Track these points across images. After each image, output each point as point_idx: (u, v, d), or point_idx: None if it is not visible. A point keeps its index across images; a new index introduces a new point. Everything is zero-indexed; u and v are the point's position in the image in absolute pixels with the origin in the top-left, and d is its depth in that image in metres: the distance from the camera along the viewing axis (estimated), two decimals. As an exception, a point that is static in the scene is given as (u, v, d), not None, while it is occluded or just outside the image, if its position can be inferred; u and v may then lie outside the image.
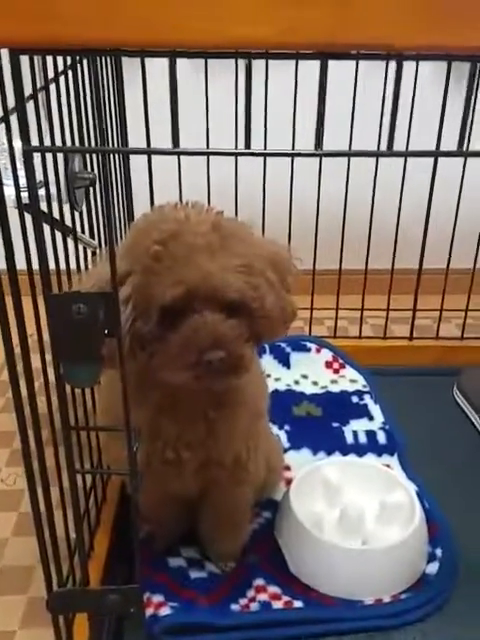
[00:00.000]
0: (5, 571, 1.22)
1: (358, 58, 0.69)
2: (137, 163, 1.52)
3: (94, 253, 1.16)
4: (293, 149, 1.53)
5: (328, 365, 1.66)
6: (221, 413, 0.97)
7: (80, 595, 0.83)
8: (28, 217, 0.70)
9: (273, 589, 1.09)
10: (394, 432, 1.44)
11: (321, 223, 1.65)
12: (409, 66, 1.15)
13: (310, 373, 1.64)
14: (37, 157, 0.80)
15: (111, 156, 1.41)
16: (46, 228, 0.76)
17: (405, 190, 1.63)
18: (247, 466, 1.04)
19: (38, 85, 0.82)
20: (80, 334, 0.65)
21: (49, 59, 0.90)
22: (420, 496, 1.20)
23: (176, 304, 0.82)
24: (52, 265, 0.81)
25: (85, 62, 1.15)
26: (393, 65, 1.43)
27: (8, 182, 0.72)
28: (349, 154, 1.15)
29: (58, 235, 0.94)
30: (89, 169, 1.20)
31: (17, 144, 0.66)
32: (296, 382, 1.61)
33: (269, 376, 1.56)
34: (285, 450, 1.37)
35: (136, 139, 1.46)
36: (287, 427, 1.46)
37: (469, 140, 1.34)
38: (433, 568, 1.14)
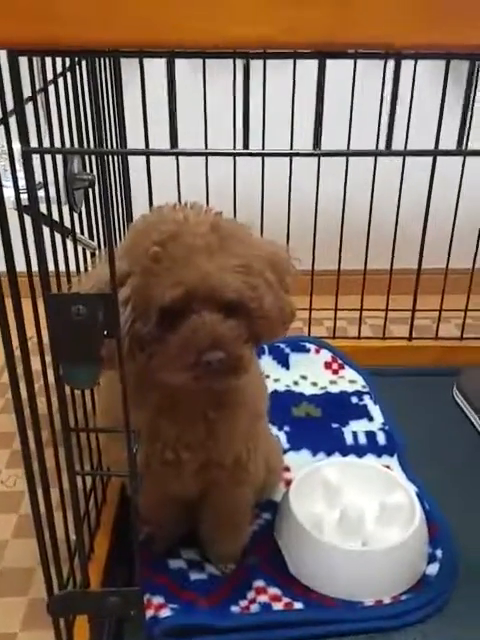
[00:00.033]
0: (5, 573, 1.22)
1: (356, 57, 0.69)
2: (136, 163, 1.52)
3: (93, 254, 1.16)
4: (291, 149, 1.53)
5: (327, 366, 1.66)
6: (221, 414, 0.97)
7: (80, 597, 0.83)
8: (27, 219, 0.70)
9: (273, 591, 1.09)
10: (394, 433, 1.44)
11: (320, 223, 1.64)
12: (407, 65, 1.14)
13: (309, 374, 1.64)
14: (36, 158, 0.80)
15: (110, 157, 1.41)
16: (45, 229, 0.76)
17: (404, 190, 1.63)
18: (247, 467, 1.04)
19: (37, 87, 0.82)
20: (79, 335, 0.65)
21: (48, 61, 0.90)
22: (420, 497, 1.20)
23: (175, 305, 0.82)
24: (51, 267, 0.81)
25: (84, 63, 1.15)
26: (391, 65, 1.42)
27: (7, 184, 0.72)
28: (347, 154, 1.15)
29: (57, 236, 0.94)
30: (88, 170, 1.20)
31: (16, 146, 0.66)
32: (295, 383, 1.61)
33: (268, 377, 1.56)
34: (285, 451, 1.37)
35: (135, 140, 1.45)
36: (286, 428, 1.45)
37: (468, 139, 1.35)
38: (433, 569, 1.14)
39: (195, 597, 1.07)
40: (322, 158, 1.47)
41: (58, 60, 0.98)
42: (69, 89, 1.04)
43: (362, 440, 1.42)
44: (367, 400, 1.55)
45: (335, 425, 1.48)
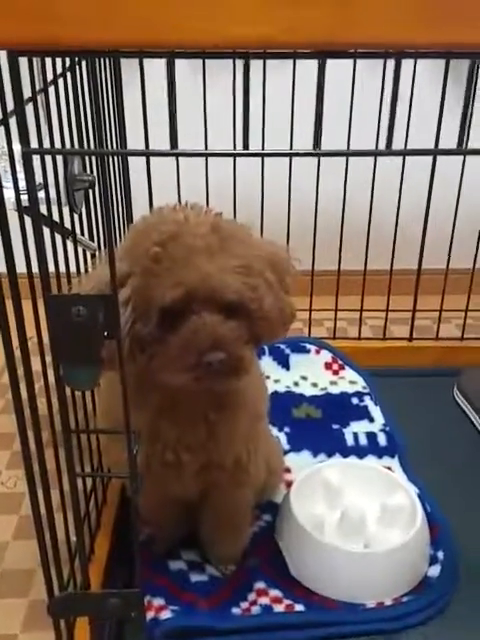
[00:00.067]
0: (6, 574, 1.22)
1: (356, 56, 0.69)
2: (136, 164, 1.52)
3: (93, 255, 1.16)
4: (291, 149, 1.53)
5: (327, 366, 1.65)
6: (221, 415, 0.96)
7: (81, 599, 0.83)
8: (28, 220, 0.70)
9: (274, 592, 1.09)
10: (394, 434, 1.44)
11: (320, 223, 1.64)
12: (407, 65, 1.14)
13: (309, 374, 1.64)
14: (36, 159, 0.80)
15: (110, 158, 1.41)
16: (46, 231, 0.75)
17: (404, 190, 1.63)
18: (247, 468, 1.04)
19: (37, 87, 0.82)
20: (80, 336, 0.65)
21: (48, 62, 0.90)
22: (421, 498, 1.20)
23: (175, 305, 0.82)
24: (52, 268, 0.81)
25: (84, 64, 1.15)
26: (391, 64, 1.42)
27: (8, 185, 0.72)
28: (347, 154, 1.15)
29: (57, 237, 0.94)
30: (88, 171, 1.20)
31: (16, 146, 0.66)
32: (295, 384, 1.61)
33: (268, 378, 1.56)
34: (285, 452, 1.37)
35: (134, 140, 1.45)
36: (287, 429, 1.45)
37: (468, 137, 1.34)
38: (435, 571, 1.14)
39: (195, 599, 1.07)
40: (322, 158, 1.47)
41: (58, 61, 0.98)
42: (69, 90, 1.04)
43: (363, 441, 1.42)
44: (368, 401, 1.55)
45: (336, 426, 1.47)
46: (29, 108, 0.75)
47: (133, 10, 0.55)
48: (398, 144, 0.74)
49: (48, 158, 0.88)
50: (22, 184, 0.67)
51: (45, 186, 0.89)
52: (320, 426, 1.48)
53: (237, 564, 1.15)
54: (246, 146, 0.67)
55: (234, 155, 0.93)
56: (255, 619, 1.05)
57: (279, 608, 1.07)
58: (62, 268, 0.96)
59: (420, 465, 1.37)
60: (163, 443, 0.96)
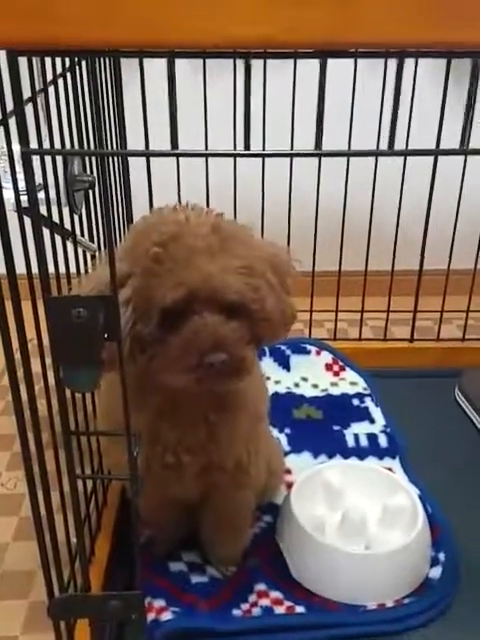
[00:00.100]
0: (6, 576, 1.22)
1: (357, 56, 0.69)
2: (136, 164, 1.52)
3: (93, 256, 1.16)
4: (292, 149, 1.52)
5: (328, 367, 1.65)
6: (222, 417, 0.96)
7: (81, 601, 0.83)
8: (27, 220, 0.70)
9: (275, 594, 1.09)
10: (395, 435, 1.44)
11: (320, 224, 1.64)
12: (408, 65, 1.14)
13: (310, 376, 1.64)
14: (36, 160, 0.79)
15: (110, 158, 1.40)
16: (45, 231, 0.75)
17: (405, 190, 1.63)
18: (248, 470, 1.03)
19: (37, 87, 0.82)
20: (80, 338, 0.64)
21: (47, 61, 0.89)
22: (422, 499, 1.20)
23: (177, 306, 0.81)
24: (51, 269, 0.81)
25: (84, 64, 1.15)
26: (392, 64, 1.42)
27: (7, 185, 0.72)
28: (348, 154, 1.14)
29: (57, 238, 0.94)
30: (88, 172, 1.20)
31: (16, 147, 0.66)
32: (296, 385, 1.61)
33: (269, 379, 1.56)
34: (286, 453, 1.37)
35: (134, 140, 1.45)
36: (287, 430, 1.45)
37: (469, 137, 1.34)
38: (436, 572, 1.13)
39: (196, 600, 1.07)
40: (322, 159, 1.47)
41: (58, 61, 0.98)
42: (69, 90, 1.04)
43: (363, 442, 1.42)
44: (368, 402, 1.55)
45: (336, 427, 1.47)
46: (29, 108, 0.75)
47: (133, 10, 0.54)
48: (399, 144, 0.73)
49: (48, 159, 0.88)
50: (22, 185, 0.67)
51: (45, 187, 0.89)
52: (321, 427, 1.48)
53: (238, 565, 1.15)
54: (247, 146, 0.66)
55: (235, 156, 0.93)
56: (256, 621, 1.05)
57: (280, 610, 1.07)
58: (62, 269, 0.96)
59: (421, 466, 1.37)
60: (163, 445, 0.96)
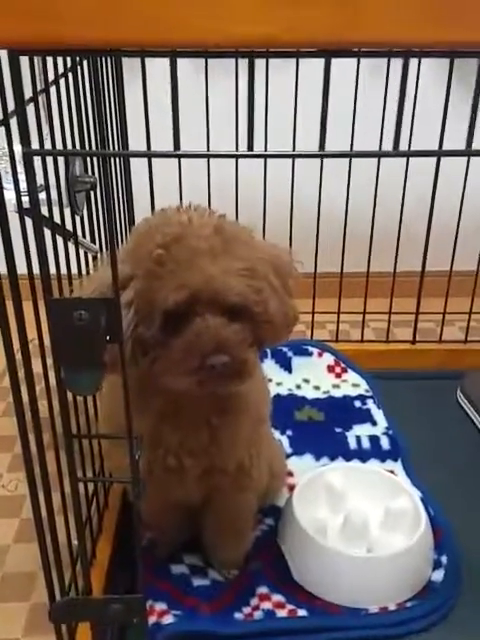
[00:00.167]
0: (7, 578, 1.21)
1: (359, 56, 0.69)
2: (137, 164, 1.52)
3: (95, 257, 1.16)
4: (294, 150, 1.52)
5: (330, 369, 1.65)
6: (224, 419, 0.96)
7: (83, 604, 0.82)
8: (29, 221, 0.70)
9: (277, 597, 1.08)
10: (397, 437, 1.44)
11: (322, 225, 1.64)
12: (411, 65, 1.14)
13: (312, 377, 1.63)
14: (37, 161, 0.79)
15: (112, 159, 1.40)
16: (47, 232, 0.75)
17: (407, 191, 1.62)
18: (250, 473, 1.03)
19: (38, 87, 0.81)
20: (81, 340, 0.64)
21: (49, 61, 0.89)
22: (425, 502, 1.19)
23: (179, 308, 0.81)
24: (53, 270, 0.81)
25: (85, 64, 1.14)
26: (394, 64, 1.42)
27: (8, 186, 0.71)
28: (351, 155, 1.14)
29: (59, 239, 0.94)
30: (90, 173, 1.20)
31: (17, 147, 0.65)
32: (298, 386, 1.61)
33: (271, 380, 1.55)
34: (287, 456, 1.36)
35: (135, 140, 1.45)
36: (289, 432, 1.45)
37: (471, 138, 1.33)
38: (438, 575, 1.13)
39: (198, 603, 1.07)
40: (325, 159, 1.46)
41: (59, 60, 0.97)
42: (71, 90, 1.03)
43: (366, 445, 1.41)
44: (370, 404, 1.55)
45: (338, 429, 1.47)
46: (30, 108, 0.75)
47: (134, 9, 0.54)
48: (402, 144, 0.73)
49: (49, 159, 0.88)
50: (23, 185, 0.67)
51: (46, 187, 0.88)
52: (322, 429, 1.47)
53: (240, 568, 1.14)
54: (251, 147, 0.66)
55: (237, 156, 0.92)
56: (258, 624, 1.05)
57: (282, 613, 1.06)
58: (63, 270, 0.96)
59: (423, 468, 1.37)
60: (165, 448, 0.95)
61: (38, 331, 0.79)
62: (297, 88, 1.49)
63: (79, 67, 1.07)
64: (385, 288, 1.69)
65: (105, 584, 1.08)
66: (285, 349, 1.65)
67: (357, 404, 1.55)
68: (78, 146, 1.09)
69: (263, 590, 1.10)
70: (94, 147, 1.18)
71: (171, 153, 0.65)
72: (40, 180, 0.79)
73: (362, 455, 1.39)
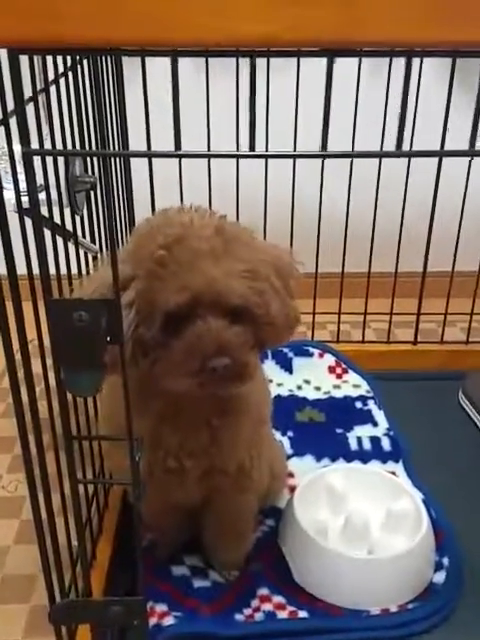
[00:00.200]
0: (7, 580, 1.21)
1: (361, 55, 0.68)
2: (137, 164, 1.51)
3: (95, 258, 1.15)
4: (295, 150, 1.51)
5: (331, 370, 1.65)
6: (224, 421, 0.95)
7: (83, 606, 0.82)
8: (28, 221, 0.69)
9: (278, 599, 1.08)
10: (399, 439, 1.43)
11: (323, 225, 1.63)
12: (413, 64, 1.14)
13: (313, 378, 1.63)
14: (37, 160, 0.79)
15: (112, 159, 1.40)
16: (47, 232, 0.74)
17: (409, 191, 1.62)
18: (251, 474, 1.03)
19: (38, 87, 0.81)
20: (81, 341, 0.64)
21: (49, 61, 0.89)
22: (426, 504, 1.19)
23: (180, 310, 0.81)
24: (53, 270, 0.80)
25: (85, 63, 1.14)
26: (396, 64, 1.41)
27: (8, 186, 0.71)
28: (353, 155, 1.13)
29: (59, 239, 0.93)
30: (90, 172, 1.19)
31: (17, 147, 0.65)
32: (299, 387, 1.60)
33: (271, 381, 1.55)
34: (288, 457, 1.36)
35: (135, 139, 1.44)
36: (290, 433, 1.44)
37: (474, 138, 1.32)
38: (440, 577, 1.12)
39: (198, 604, 1.06)
40: (326, 159, 1.46)
41: (59, 59, 0.97)
42: (71, 89, 1.03)
43: (367, 446, 1.41)
44: (371, 405, 1.54)
45: (339, 430, 1.46)
46: (30, 108, 0.74)
47: (135, 7, 0.54)
48: (403, 145, 0.73)
49: (49, 159, 0.87)
50: (23, 185, 0.66)
51: (46, 187, 0.88)
52: (323, 430, 1.47)
53: (240, 570, 1.14)
54: (252, 147, 0.66)
55: (239, 156, 0.92)
56: (258, 626, 1.04)
57: (283, 615, 1.06)
58: (63, 270, 0.96)
59: (424, 469, 1.36)
60: (165, 450, 0.95)
61: (38, 332, 0.79)
62: (298, 88, 1.48)
63: (79, 66, 1.06)
64: (386, 288, 1.69)
65: (105, 585, 1.08)
66: (286, 350, 1.65)
67: (358, 405, 1.54)
68: (78, 146, 1.09)
69: (264, 591, 1.09)
70: (94, 147, 1.18)
71: (172, 153, 0.64)
72: (40, 180, 0.79)
73: (363, 456, 1.38)
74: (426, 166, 1.44)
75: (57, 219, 0.95)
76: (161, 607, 1.05)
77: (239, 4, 0.55)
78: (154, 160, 1.43)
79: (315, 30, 0.56)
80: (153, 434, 0.93)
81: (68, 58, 1.01)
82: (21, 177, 0.66)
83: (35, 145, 0.68)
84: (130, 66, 1.44)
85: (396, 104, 0.71)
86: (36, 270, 0.69)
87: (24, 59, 0.62)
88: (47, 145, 0.87)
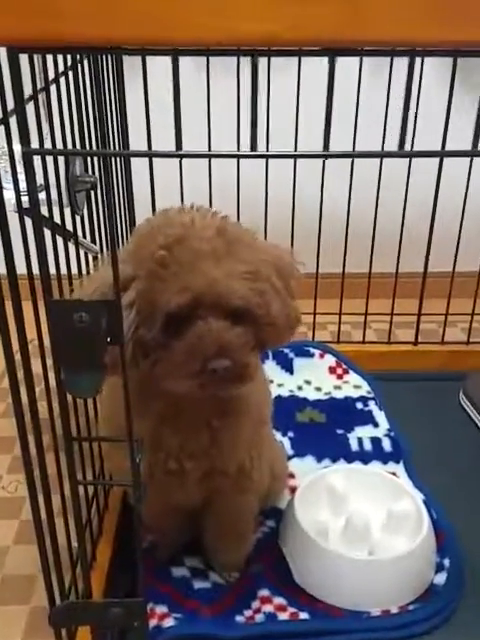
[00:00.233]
0: (7, 580, 1.21)
1: (363, 54, 0.68)
2: (138, 164, 1.51)
3: (95, 258, 1.15)
4: (296, 150, 1.51)
5: (331, 370, 1.64)
6: (225, 422, 0.95)
7: (82, 608, 0.82)
8: (28, 221, 0.69)
9: (278, 600, 1.08)
10: (399, 439, 1.43)
11: (324, 225, 1.63)
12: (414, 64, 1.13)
13: (313, 379, 1.63)
14: (37, 160, 0.79)
15: (112, 159, 1.39)
16: (47, 232, 0.74)
17: (410, 191, 1.61)
18: (251, 475, 1.02)
19: (38, 86, 0.81)
20: (81, 342, 0.63)
21: (49, 59, 0.88)
22: (427, 505, 1.19)
23: (181, 311, 0.80)
24: (53, 270, 0.80)
25: (86, 62, 1.14)
26: (397, 64, 1.41)
27: (8, 185, 0.71)
28: (355, 155, 1.13)
29: (59, 239, 0.93)
30: (90, 172, 1.19)
31: (17, 147, 0.65)
32: (299, 388, 1.60)
33: (272, 382, 1.55)
34: (289, 457, 1.36)
35: (136, 139, 1.44)
36: (291, 434, 1.44)
37: (477, 138, 1.32)
38: (441, 578, 1.12)
39: (199, 606, 1.06)
40: (327, 160, 1.46)
41: (60, 58, 0.97)
42: (71, 88, 1.03)
43: (367, 446, 1.41)
44: (372, 406, 1.54)
45: (340, 431, 1.46)
46: (30, 107, 0.74)
47: (135, 5, 0.54)
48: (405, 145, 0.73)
49: (49, 158, 0.87)
50: (23, 185, 0.66)
51: (46, 187, 0.88)
52: (324, 431, 1.47)
53: (241, 571, 1.13)
54: (254, 147, 0.65)
55: (240, 156, 0.92)
56: (259, 627, 1.04)
57: (283, 616, 1.06)
58: (63, 270, 0.95)
59: (425, 470, 1.36)
60: (166, 451, 0.95)
61: (38, 332, 0.78)
62: (299, 88, 1.48)
63: (79, 65, 1.06)
64: (387, 289, 1.69)
65: (105, 587, 1.08)
66: (286, 350, 1.65)
67: (359, 405, 1.54)
68: (78, 145, 1.09)
69: (264, 593, 1.09)
70: (94, 146, 1.17)
71: (172, 153, 0.64)
72: (40, 180, 0.79)
73: (364, 457, 1.38)
74: (427, 166, 1.44)
75: (57, 219, 0.95)
76: (161, 608, 1.04)
77: (240, 3, 0.55)
78: (155, 160, 1.43)
79: (316, 29, 0.56)
80: (153, 435, 0.93)
81: (68, 57, 1.00)
82: (21, 177, 0.66)
83: (35, 144, 0.68)
84: (130, 65, 1.44)
85: (397, 104, 0.71)
86: (36, 270, 0.69)
87: (24, 58, 0.62)
88: (47, 144, 0.86)
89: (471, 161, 1.58)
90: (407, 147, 1.14)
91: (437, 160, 1.54)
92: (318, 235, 1.63)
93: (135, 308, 0.81)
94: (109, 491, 1.24)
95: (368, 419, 1.50)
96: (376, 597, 1.08)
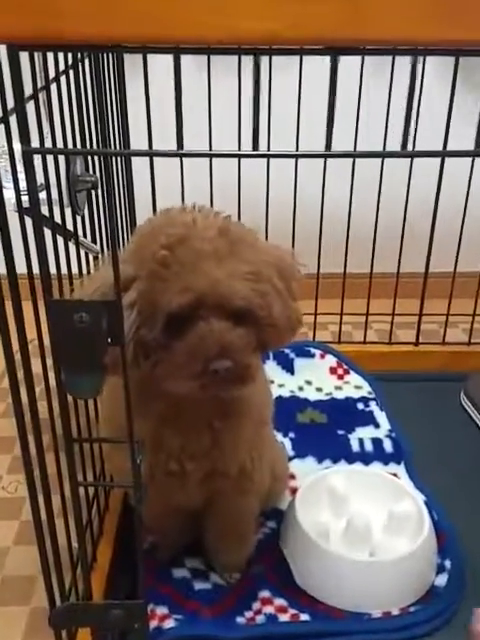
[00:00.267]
0: (7, 581, 1.21)
1: (366, 53, 0.68)
2: (139, 163, 1.51)
3: (96, 258, 1.15)
4: (297, 150, 1.51)
5: (332, 371, 1.64)
6: (226, 423, 0.95)
7: (83, 610, 0.82)
8: (28, 221, 0.69)
9: (279, 601, 1.07)
10: (400, 440, 1.43)
11: (325, 225, 1.63)
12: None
13: (314, 379, 1.62)
14: (37, 159, 0.78)
15: (113, 158, 1.39)
16: (47, 232, 0.74)
17: (411, 191, 1.61)
18: (252, 476, 1.02)
19: (38, 84, 0.80)
20: (82, 343, 0.63)
21: (50, 58, 0.88)
22: (428, 506, 1.18)
23: (183, 311, 0.80)
24: (53, 270, 0.80)
25: (86, 61, 1.13)
26: (399, 64, 1.40)
27: (8, 185, 0.70)
28: (356, 155, 1.13)
29: (59, 239, 0.93)
30: (91, 172, 1.19)
31: (17, 146, 0.65)
32: (300, 388, 1.60)
33: (273, 382, 1.55)
34: (290, 458, 1.35)
35: (137, 138, 1.44)
36: (291, 434, 1.44)
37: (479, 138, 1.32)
38: (442, 580, 1.12)
39: (199, 607, 1.06)
40: (328, 159, 1.45)
41: (60, 57, 0.96)
42: (72, 87, 1.02)
43: (368, 447, 1.40)
44: (373, 406, 1.54)
45: (341, 432, 1.46)
46: (30, 106, 0.74)
47: (136, 4, 0.54)
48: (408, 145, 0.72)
49: (50, 158, 0.87)
50: (23, 184, 0.66)
51: (46, 186, 0.88)
52: (325, 431, 1.46)
53: (241, 572, 1.13)
54: (255, 147, 0.65)
55: (241, 156, 0.92)
56: (260, 628, 1.04)
57: (284, 617, 1.05)
58: (64, 270, 0.95)
59: (426, 471, 1.36)
60: (167, 452, 0.94)
61: (38, 332, 0.78)
62: (300, 87, 1.47)
63: (80, 64, 1.06)
64: (388, 289, 1.68)
65: (106, 588, 1.07)
66: (287, 351, 1.64)
67: (360, 406, 1.54)
68: (79, 144, 1.08)
69: (265, 594, 1.09)
70: (95, 145, 1.17)
71: (174, 152, 0.64)
72: (40, 179, 0.78)
73: (365, 458, 1.38)
74: (428, 166, 1.43)
75: (58, 218, 0.95)
76: (162, 610, 1.04)
77: (240, 1, 0.55)
78: (156, 159, 1.43)
79: (316, 27, 0.56)
80: (154, 436, 0.93)
81: (69, 55, 1.00)
82: (21, 176, 0.65)
83: (35, 143, 0.68)
84: (131, 64, 1.43)
85: (399, 104, 0.70)
86: (36, 270, 0.69)
87: (24, 56, 0.61)
88: (48, 143, 0.86)
89: (473, 161, 1.57)
90: (408, 147, 1.14)
91: (438, 160, 1.53)
92: (319, 235, 1.63)
93: (136, 308, 0.81)
94: (110, 492, 1.24)
95: (369, 420, 1.50)
96: (377, 599, 1.08)
